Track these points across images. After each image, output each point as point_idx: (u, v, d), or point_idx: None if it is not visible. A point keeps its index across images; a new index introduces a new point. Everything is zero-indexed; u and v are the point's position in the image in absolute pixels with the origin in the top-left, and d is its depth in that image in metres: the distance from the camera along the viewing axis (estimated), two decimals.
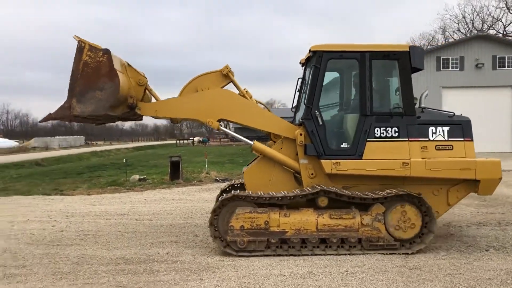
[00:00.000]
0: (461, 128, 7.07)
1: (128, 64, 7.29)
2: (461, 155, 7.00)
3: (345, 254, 6.63)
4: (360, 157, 6.89)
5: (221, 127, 7.41)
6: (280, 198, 6.71)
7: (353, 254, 6.64)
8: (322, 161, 6.93)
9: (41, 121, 7.18)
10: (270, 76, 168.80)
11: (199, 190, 14.66)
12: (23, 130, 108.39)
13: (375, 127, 6.91)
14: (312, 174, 7.21)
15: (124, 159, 21.04)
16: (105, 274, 5.94)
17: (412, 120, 6.95)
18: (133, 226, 9.15)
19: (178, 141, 74.36)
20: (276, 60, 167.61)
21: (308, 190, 6.82)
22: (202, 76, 7.52)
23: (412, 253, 6.62)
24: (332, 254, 6.59)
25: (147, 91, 7.49)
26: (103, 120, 7.30)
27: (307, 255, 6.59)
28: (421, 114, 7.16)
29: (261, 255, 6.59)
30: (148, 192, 14.54)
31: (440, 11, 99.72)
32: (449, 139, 7.02)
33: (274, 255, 6.59)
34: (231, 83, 7.65)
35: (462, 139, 7.04)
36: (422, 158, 6.89)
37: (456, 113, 7.26)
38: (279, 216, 6.65)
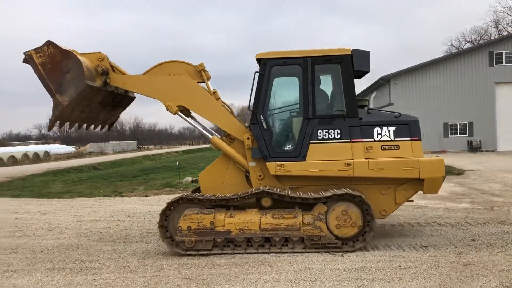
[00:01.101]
0: (408, 128, 7.14)
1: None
2: (408, 154, 7.06)
3: (349, 252, 6.80)
4: (303, 158, 7.11)
5: (179, 113, 7.63)
6: (223, 199, 7.03)
7: (405, 251, 6.80)
8: (267, 163, 7.20)
9: (48, 130, 7.81)
10: None
11: None
12: (78, 136, 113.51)
13: (318, 130, 7.11)
14: (260, 176, 7.47)
15: (177, 162, 21.85)
16: (171, 267, 6.41)
17: (354, 122, 7.10)
18: None
19: None
20: None
21: (250, 191, 7.06)
22: (179, 63, 7.81)
23: (352, 251, 6.79)
24: (301, 252, 6.81)
25: (114, 68, 7.82)
26: (91, 94, 7.48)
27: (251, 253, 6.85)
28: (367, 115, 7.26)
29: (208, 254, 6.90)
30: None
31: (493, 3, 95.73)
32: (395, 139, 7.10)
33: (220, 253, 6.90)
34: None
35: (409, 138, 7.11)
36: (367, 159, 7.03)
37: (403, 114, 7.37)
38: (224, 217, 6.96)
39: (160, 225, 7.09)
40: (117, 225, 9.95)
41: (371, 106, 7.69)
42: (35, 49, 7.29)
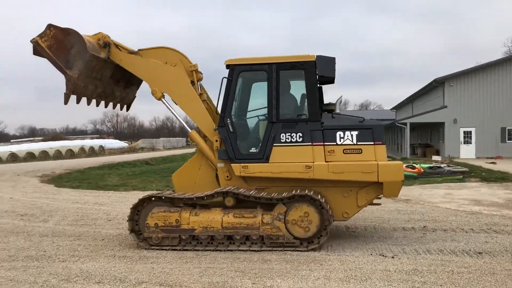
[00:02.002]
0: (371, 132, 7.24)
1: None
2: (370, 158, 7.16)
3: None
4: (267, 160, 7.37)
5: (163, 100, 8.00)
6: (186, 199, 7.35)
7: (458, 256, 6.72)
8: (232, 164, 7.50)
9: (64, 103, 7.85)
10: (364, 77, 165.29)
11: None
12: (130, 132, 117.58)
13: (281, 133, 7.35)
14: (227, 176, 7.74)
15: None
16: (224, 260, 6.67)
17: (316, 126, 7.30)
18: None
19: None
20: (369, 60, 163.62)
21: (206, 193, 7.38)
22: (179, 54, 8.11)
23: (308, 250, 6.99)
24: (271, 250, 7.06)
25: (118, 46, 8.21)
26: (98, 67, 7.93)
27: (211, 250, 7.16)
28: (331, 119, 7.44)
29: (170, 249, 7.25)
30: None
31: None
32: (358, 143, 7.22)
33: (181, 249, 7.23)
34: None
35: (372, 143, 7.20)
36: (328, 162, 7.21)
37: (371, 119, 7.54)
38: (189, 215, 7.26)
39: (129, 219, 7.49)
40: None
41: (337, 111, 7.84)
42: (39, 35, 7.81)
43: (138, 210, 7.56)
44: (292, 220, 7.09)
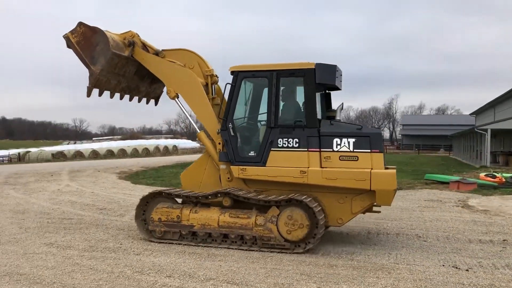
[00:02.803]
0: (368, 140, 7.20)
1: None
2: (367, 166, 7.13)
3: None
4: (264, 164, 7.59)
5: (176, 100, 8.44)
6: (187, 196, 7.86)
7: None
8: (232, 167, 7.80)
9: (87, 96, 8.43)
10: (442, 81, 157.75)
11: None
12: None
13: (278, 138, 7.54)
14: (228, 178, 8.06)
15: None
16: (289, 262, 6.71)
17: (313, 132, 7.39)
18: None
19: None
20: (448, 63, 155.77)
21: (200, 193, 7.88)
22: (198, 57, 8.64)
23: (300, 253, 7.12)
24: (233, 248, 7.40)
25: (145, 45, 8.75)
26: (121, 64, 8.45)
27: (211, 246, 7.52)
28: (329, 126, 7.48)
29: (169, 243, 7.77)
30: None
31: None
32: (355, 150, 7.22)
33: (183, 244, 7.68)
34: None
35: (369, 150, 7.15)
36: (324, 168, 7.27)
37: (366, 126, 7.41)
38: (190, 212, 7.69)
39: (137, 212, 8.12)
40: None
41: (338, 118, 8.02)
42: (70, 31, 8.36)
43: (147, 203, 8.13)
44: (284, 223, 7.23)
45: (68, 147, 53.60)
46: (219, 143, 8.04)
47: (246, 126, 8.33)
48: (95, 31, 8.29)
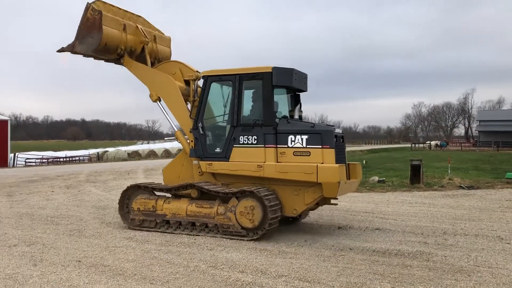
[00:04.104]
0: (320, 137, 7.77)
1: (137, 26, 9.76)
2: (318, 160, 7.71)
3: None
4: (227, 159, 8.37)
5: (158, 103, 9.43)
6: (159, 189, 8.90)
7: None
8: (201, 162, 8.65)
9: (57, 50, 9.73)
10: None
11: (443, 196, 14.22)
12: None
13: (240, 136, 8.28)
14: (199, 172, 8.84)
15: (364, 161, 21.83)
16: (362, 262, 6.61)
17: (270, 130, 8.07)
18: (379, 223, 9.67)
19: (413, 145, 71.92)
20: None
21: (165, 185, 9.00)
22: (179, 63, 9.59)
23: (255, 240, 7.77)
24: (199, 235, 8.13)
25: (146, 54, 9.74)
26: (96, 58, 9.77)
27: (185, 234, 8.28)
28: (287, 124, 8.17)
29: (150, 230, 8.62)
30: (389, 194, 14.87)
31: None
32: (307, 146, 7.83)
33: (161, 232, 8.52)
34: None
35: (320, 146, 7.70)
36: (279, 162, 7.96)
37: (320, 123, 8.29)
38: (163, 203, 8.61)
39: (120, 203, 9.03)
40: (308, 216, 10.55)
41: (296, 116, 8.60)
42: (93, 7, 9.17)
43: (129, 196, 9.04)
44: (240, 212, 7.92)
45: (142, 147, 56.28)
46: (192, 141, 8.84)
47: (214, 125, 9.13)
48: (100, 29, 9.06)
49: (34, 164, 40.53)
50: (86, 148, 59.79)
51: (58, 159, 44.25)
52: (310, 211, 9.91)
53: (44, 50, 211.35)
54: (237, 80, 8.43)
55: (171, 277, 5.88)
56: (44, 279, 5.74)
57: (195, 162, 8.90)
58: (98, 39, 9.15)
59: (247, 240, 7.84)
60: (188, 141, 9.03)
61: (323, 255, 7.02)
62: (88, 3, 9.35)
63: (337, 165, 7.67)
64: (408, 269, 6.24)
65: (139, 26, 9.91)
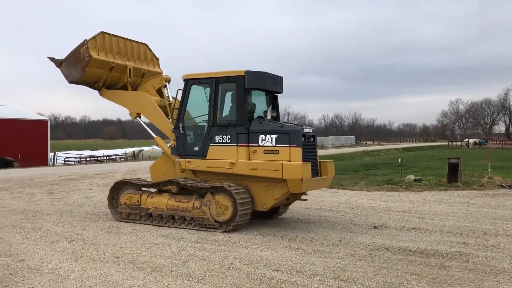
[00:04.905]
0: (288, 136, 8.26)
1: (127, 66, 10.48)
2: (286, 158, 8.20)
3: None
4: (204, 157, 8.95)
5: (138, 118, 10.30)
6: (142, 185, 9.63)
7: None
8: (181, 159, 9.26)
9: (48, 57, 10.65)
10: None
11: (482, 195, 13.80)
12: None
13: (216, 135, 8.85)
14: (181, 169, 9.36)
15: (400, 159, 21.44)
16: (398, 262, 6.50)
17: (242, 130, 8.60)
18: (416, 223, 9.48)
19: (450, 143, 70.05)
20: None
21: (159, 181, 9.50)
22: (151, 80, 10.62)
23: (227, 232, 8.32)
24: (191, 229, 8.66)
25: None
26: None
27: (166, 226, 8.91)
28: (259, 124, 8.66)
29: (135, 223, 9.33)
30: (425, 193, 14.56)
31: None
32: (276, 145, 8.34)
33: (145, 224, 9.18)
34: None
35: (288, 145, 8.18)
36: (250, 160, 8.50)
37: (290, 123, 8.94)
38: (147, 197, 9.28)
39: (109, 198, 9.84)
40: (342, 215, 10.47)
41: (268, 117, 9.03)
42: (87, 45, 9.76)
43: (117, 191, 9.82)
44: (213, 206, 8.46)
45: None
46: (174, 140, 9.46)
47: (193, 125, 9.69)
48: (82, 69, 9.97)
49: (73, 163, 41.82)
50: (122, 147, 61.15)
51: (96, 158, 45.47)
52: (292, 205, 9.80)
53: None
54: (214, 83, 8.98)
55: (206, 274, 5.95)
56: (85, 274, 5.92)
57: (177, 159, 9.47)
58: (78, 76, 10.18)
59: (220, 232, 8.37)
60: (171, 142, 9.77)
61: (358, 254, 6.94)
62: (85, 40, 9.89)
63: (301, 162, 8.10)
64: (447, 270, 6.09)
65: (129, 67, 10.58)
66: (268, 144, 8.44)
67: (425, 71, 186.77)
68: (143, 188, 9.72)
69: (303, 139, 8.42)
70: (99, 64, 10.05)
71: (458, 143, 72.58)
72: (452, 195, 14.01)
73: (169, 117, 10.10)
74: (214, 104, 8.97)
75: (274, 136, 8.40)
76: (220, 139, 8.84)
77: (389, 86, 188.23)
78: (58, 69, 10.62)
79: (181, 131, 9.32)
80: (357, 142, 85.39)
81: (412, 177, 17.91)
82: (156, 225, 9.02)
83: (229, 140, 8.74)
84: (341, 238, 8.09)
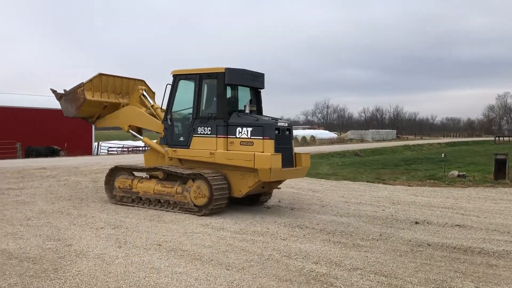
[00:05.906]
0: (262, 129, 8.93)
1: (120, 104, 11.57)
2: (259, 149, 8.85)
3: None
4: (188, 147, 9.77)
5: (130, 131, 11.33)
6: (135, 169, 10.59)
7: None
8: (168, 149, 10.12)
9: (50, 88, 11.84)
10: None
11: None
12: (340, 123, 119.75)
13: (199, 127, 9.65)
14: (169, 158, 10.21)
15: (443, 154, 20.88)
16: (441, 259, 6.34)
17: (221, 122, 9.32)
18: (459, 220, 9.21)
19: (497, 138, 67.38)
20: None
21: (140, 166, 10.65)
22: (133, 95, 11.68)
23: (205, 215, 9.00)
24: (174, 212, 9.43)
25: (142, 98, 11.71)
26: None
27: (153, 208, 9.75)
28: (237, 118, 9.36)
29: (127, 205, 10.15)
30: (470, 189, 14.11)
31: None
32: (251, 137, 9.02)
33: (135, 206, 10.03)
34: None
35: (262, 137, 8.85)
36: (228, 150, 9.23)
37: (265, 117, 9.61)
38: (137, 182, 10.11)
39: (106, 182, 10.70)
40: (382, 210, 10.30)
41: (247, 111, 9.66)
42: (83, 88, 10.81)
43: (113, 175, 10.62)
44: (193, 191, 9.19)
45: None
46: (163, 131, 10.29)
47: (179, 117, 10.36)
48: (77, 109, 11.11)
49: (115, 152, 43.01)
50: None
51: (138, 148, 46.61)
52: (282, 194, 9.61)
53: (131, 45, 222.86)
54: (198, 79, 9.75)
55: (246, 264, 6.01)
56: (129, 261, 6.10)
57: (166, 148, 10.27)
58: (73, 114, 11.37)
59: (198, 215, 9.04)
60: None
61: (399, 250, 6.82)
62: (82, 83, 10.91)
63: (270, 153, 8.72)
64: (494, 268, 5.90)
65: (123, 104, 11.62)
66: (244, 136, 9.13)
67: (472, 63, 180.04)
68: (136, 174, 10.67)
69: (276, 132, 9.08)
70: (93, 104, 11.18)
71: (506, 138, 69.65)
72: (499, 192, 13.51)
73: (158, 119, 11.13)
74: (198, 98, 9.77)
75: (249, 129, 9.08)
76: (202, 131, 9.62)
77: (432, 79, 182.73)
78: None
79: (169, 123, 10.18)
80: (398, 136, 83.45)
81: (456, 172, 17.39)
82: (144, 208, 9.87)
83: (210, 131, 9.50)
84: (382, 233, 7.97)
